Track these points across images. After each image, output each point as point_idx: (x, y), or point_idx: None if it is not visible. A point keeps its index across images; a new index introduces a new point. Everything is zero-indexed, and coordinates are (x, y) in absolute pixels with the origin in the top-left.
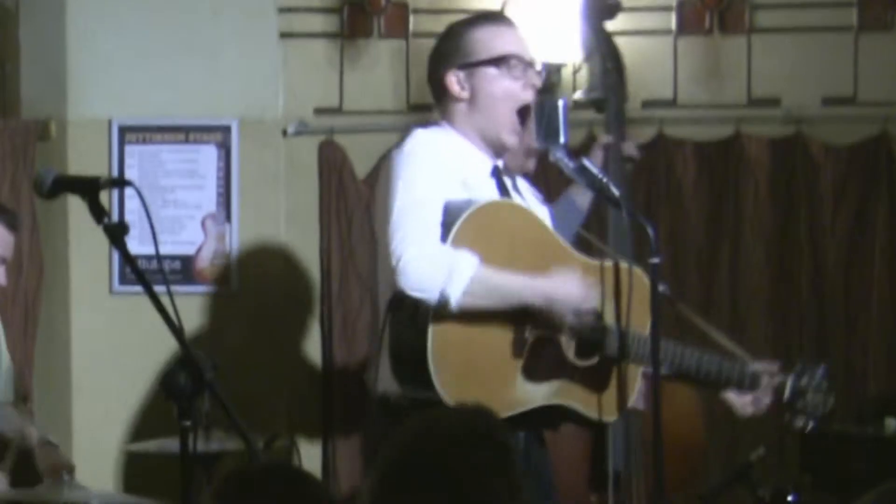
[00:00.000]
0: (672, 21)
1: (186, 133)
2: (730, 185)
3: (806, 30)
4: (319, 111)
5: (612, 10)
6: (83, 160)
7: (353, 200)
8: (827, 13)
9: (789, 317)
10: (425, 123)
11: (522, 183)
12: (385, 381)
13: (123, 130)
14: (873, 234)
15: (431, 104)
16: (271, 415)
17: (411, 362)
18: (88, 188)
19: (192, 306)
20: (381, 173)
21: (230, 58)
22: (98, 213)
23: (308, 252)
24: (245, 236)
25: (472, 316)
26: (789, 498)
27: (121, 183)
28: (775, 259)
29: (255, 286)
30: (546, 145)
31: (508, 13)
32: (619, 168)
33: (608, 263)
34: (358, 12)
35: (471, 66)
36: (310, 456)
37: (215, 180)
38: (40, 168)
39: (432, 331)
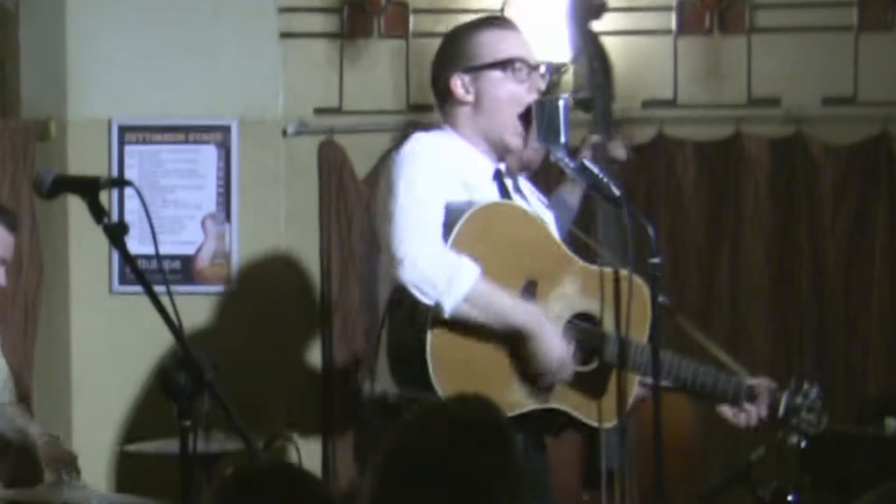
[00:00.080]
0: (672, 21)
1: (186, 133)
2: (730, 185)
3: (806, 30)
4: (319, 111)
5: (599, 11)
6: (83, 160)
7: (353, 200)
8: (827, 13)
9: (789, 317)
10: (427, 127)
11: (527, 187)
12: (384, 380)
13: (123, 130)
14: (873, 234)
15: (431, 104)
16: (271, 415)
17: (410, 362)
18: (88, 188)
19: (192, 306)
20: (381, 173)
21: (230, 58)
22: (98, 213)
23: (308, 252)
24: (245, 236)
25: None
26: (789, 498)
27: (121, 183)
28: (775, 259)
29: (255, 286)
30: (546, 145)
31: (508, 13)
32: (607, 168)
33: (608, 270)
34: (358, 12)
35: (475, 69)
36: (310, 456)
37: (215, 180)
38: (40, 168)
39: (431, 331)
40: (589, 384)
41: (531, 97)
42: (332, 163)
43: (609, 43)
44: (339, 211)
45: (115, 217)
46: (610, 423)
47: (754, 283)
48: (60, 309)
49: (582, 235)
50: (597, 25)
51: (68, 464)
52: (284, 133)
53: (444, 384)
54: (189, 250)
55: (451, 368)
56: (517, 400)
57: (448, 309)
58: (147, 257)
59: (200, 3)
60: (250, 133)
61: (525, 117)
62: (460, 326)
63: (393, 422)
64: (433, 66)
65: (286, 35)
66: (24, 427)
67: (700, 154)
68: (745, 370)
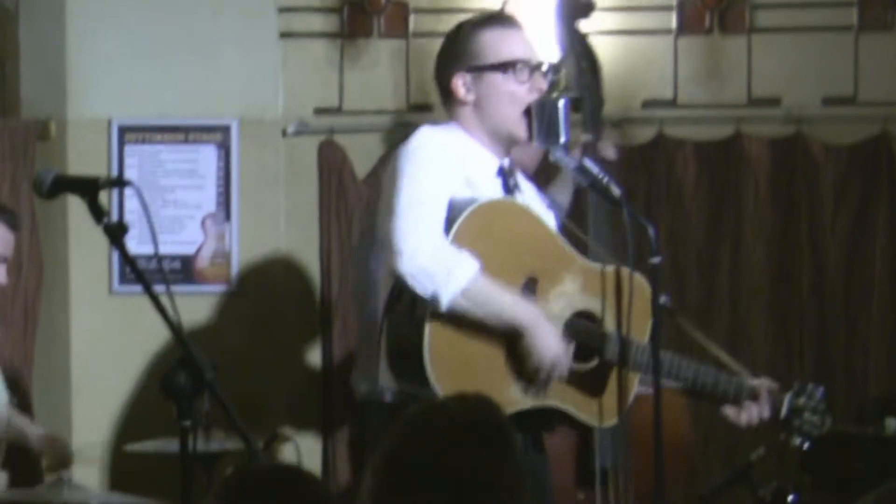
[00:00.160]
0: (672, 21)
1: (186, 133)
2: (730, 185)
3: (806, 30)
4: (319, 111)
5: (586, 10)
6: (83, 160)
7: (353, 200)
8: (827, 13)
9: (789, 317)
10: (433, 122)
11: (529, 188)
12: (382, 376)
13: (123, 130)
14: (874, 234)
15: (431, 104)
16: (271, 415)
17: (408, 357)
18: (88, 188)
19: (191, 306)
20: (386, 168)
21: (230, 58)
22: (98, 213)
23: (308, 252)
24: (245, 236)
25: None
26: (789, 498)
27: (120, 183)
28: (775, 259)
29: (255, 286)
30: (546, 145)
31: (508, 12)
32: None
33: (609, 269)
34: (358, 12)
35: (477, 69)
36: (310, 456)
37: (215, 180)
38: (40, 168)
39: (429, 326)
40: (589, 383)
41: (532, 97)
42: (332, 163)
43: (609, 43)
44: (339, 211)
45: (114, 217)
46: (609, 422)
47: (754, 283)
48: (60, 309)
49: (576, 229)
50: (587, 25)
51: (67, 464)
52: (284, 133)
53: (441, 380)
54: (189, 250)
55: (448, 365)
56: (515, 397)
57: (445, 302)
58: (147, 257)
59: (200, 3)
60: (250, 133)
61: (525, 116)
62: (458, 323)
63: (391, 421)
64: (436, 62)
65: (286, 35)
66: (22, 428)
67: (700, 154)
68: (747, 371)
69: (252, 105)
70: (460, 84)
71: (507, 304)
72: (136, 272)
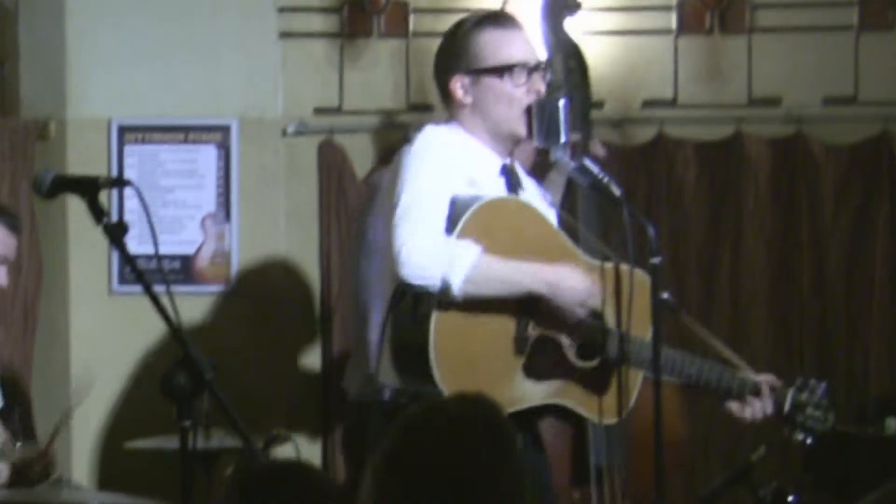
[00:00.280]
0: (672, 21)
1: (186, 133)
2: (730, 185)
3: (806, 29)
4: (319, 111)
5: (573, 9)
6: (83, 160)
7: (353, 200)
8: (827, 13)
9: (790, 317)
10: (434, 121)
11: (531, 185)
12: (384, 374)
13: (123, 130)
14: (874, 234)
15: (431, 104)
16: (270, 415)
17: (412, 353)
18: (88, 188)
19: (191, 306)
20: (390, 168)
21: (230, 58)
22: (97, 213)
23: (308, 252)
24: (245, 236)
25: (474, 310)
26: (790, 498)
27: (120, 183)
28: (776, 259)
29: (254, 286)
30: (546, 145)
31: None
32: None
33: (609, 265)
34: (358, 12)
35: (475, 72)
36: (310, 456)
37: (215, 180)
38: (40, 168)
39: (434, 324)
40: (591, 380)
41: (530, 98)
42: (331, 163)
43: (609, 43)
44: (339, 211)
45: (114, 217)
46: (612, 420)
47: (755, 283)
48: (60, 309)
49: (571, 220)
50: (587, 25)
51: (43, 464)
52: (284, 133)
53: (445, 376)
54: (189, 250)
55: (452, 362)
56: (518, 395)
57: (456, 287)
58: (147, 257)
59: (200, 3)
60: (250, 133)
61: (525, 114)
62: (463, 318)
63: (390, 421)
64: (435, 61)
65: (286, 35)
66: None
67: (700, 154)
68: (750, 367)
69: (252, 105)
70: (458, 86)
71: (518, 269)
72: (135, 272)
